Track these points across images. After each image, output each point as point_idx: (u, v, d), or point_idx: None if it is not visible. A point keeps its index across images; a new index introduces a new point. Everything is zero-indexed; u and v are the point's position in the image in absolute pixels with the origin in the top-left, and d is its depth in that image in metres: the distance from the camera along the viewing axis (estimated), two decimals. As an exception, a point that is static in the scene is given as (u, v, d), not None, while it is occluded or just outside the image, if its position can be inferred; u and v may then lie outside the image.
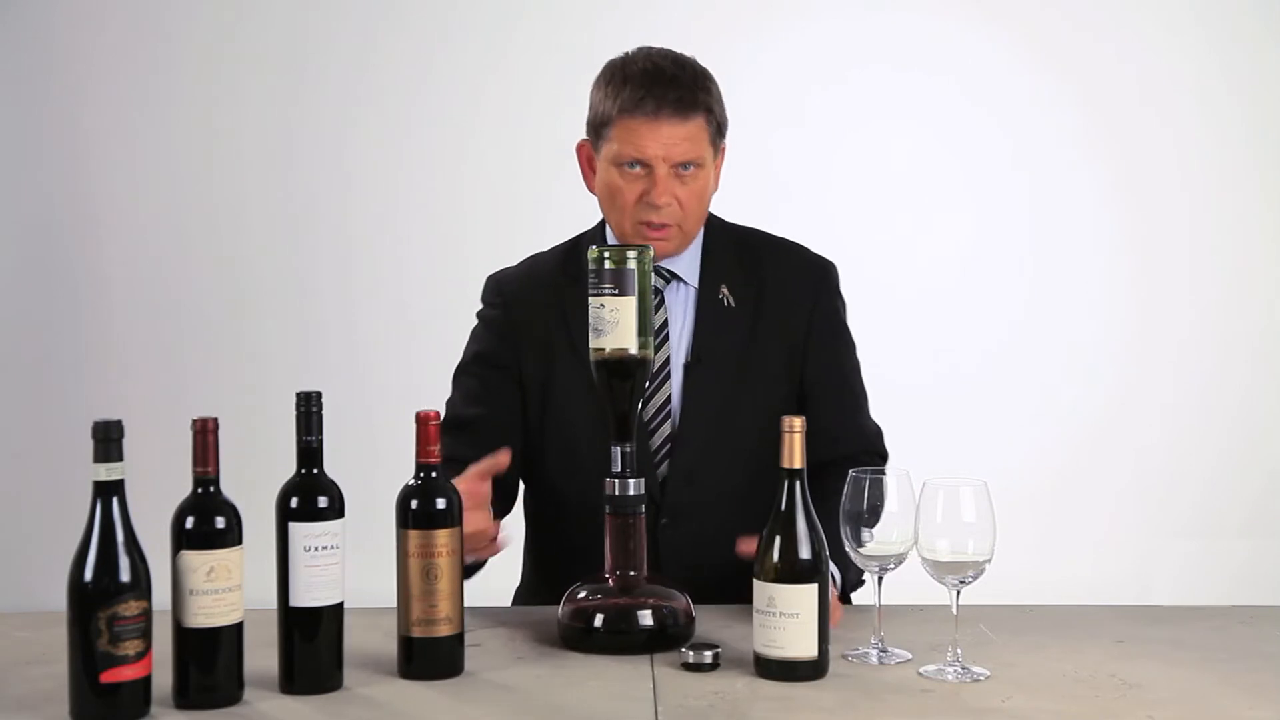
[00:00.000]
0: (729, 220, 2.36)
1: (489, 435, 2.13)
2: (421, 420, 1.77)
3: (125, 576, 1.57)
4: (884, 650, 1.84)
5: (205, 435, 1.65)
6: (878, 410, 2.35)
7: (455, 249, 4.09)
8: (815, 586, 1.72)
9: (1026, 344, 4.22)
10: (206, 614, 1.63)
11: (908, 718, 1.64)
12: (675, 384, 2.22)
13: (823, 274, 2.32)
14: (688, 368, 2.22)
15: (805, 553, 1.73)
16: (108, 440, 1.58)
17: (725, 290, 2.25)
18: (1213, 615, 2.09)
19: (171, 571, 1.64)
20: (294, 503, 1.70)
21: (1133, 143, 4.22)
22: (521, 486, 2.33)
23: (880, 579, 1.83)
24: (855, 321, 2.36)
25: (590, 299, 1.90)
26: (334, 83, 4.23)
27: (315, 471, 1.72)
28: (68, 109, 4.20)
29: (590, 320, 1.91)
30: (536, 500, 2.33)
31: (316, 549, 1.70)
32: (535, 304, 2.29)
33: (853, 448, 2.20)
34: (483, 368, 2.30)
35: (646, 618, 1.86)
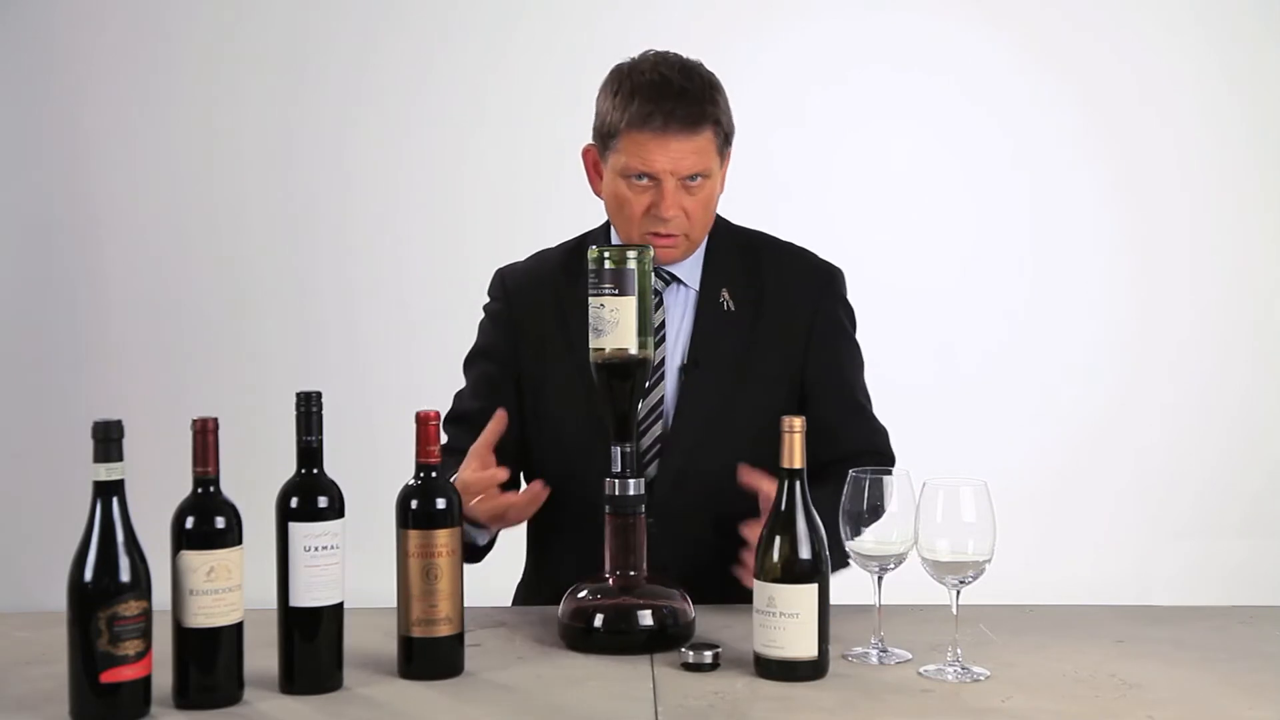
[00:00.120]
0: (735, 222, 2.35)
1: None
2: (421, 420, 1.77)
3: (125, 576, 1.57)
4: (884, 650, 1.84)
5: (205, 435, 1.65)
6: (879, 411, 2.35)
7: (455, 249, 4.10)
8: (815, 586, 1.72)
9: (1026, 344, 4.22)
10: (206, 614, 1.63)
11: (908, 718, 1.64)
12: (670, 386, 2.22)
13: (827, 279, 2.31)
14: (683, 370, 2.22)
15: (805, 553, 1.73)
16: (108, 440, 1.58)
17: (726, 294, 2.25)
18: (1213, 615, 2.09)
19: (171, 571, 1.64)
20: (294, 503, 1.70)
21: (1133, 143, 4.22)
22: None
23: (880, 579, 1.83)
24: (856, 321, 2.36)
25: (590, 299, 1.91)
26: (334, 83, 4.23)
27: (315, 471, 1.72)
28: (68, 109, 4.20)
29: (590, 320, 1.91)
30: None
31: (316, 549, 1.70)
32: (536, 300, 2.30)
33: (855, 447, 2.20)
34: (486, 362, 2.32)
35: (646, 618, 1.86)
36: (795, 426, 1.76)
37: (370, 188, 4.24)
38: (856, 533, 1.80)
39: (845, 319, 2.32)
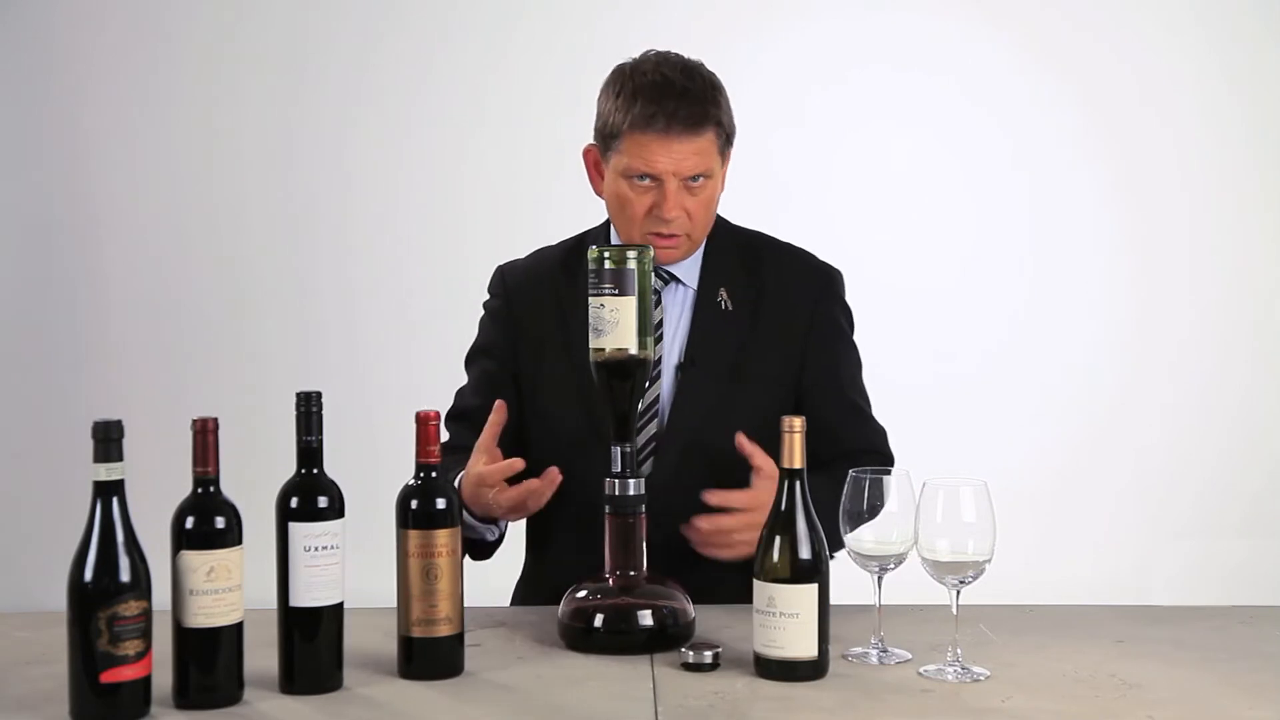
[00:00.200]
0: (735, 222, 2.36)
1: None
2: (421, 420, 1.77)
3: (125, 576, 1.57)
4: (884, 650, 1.84)
5: (205, 435, 1.65)
6: (878, 411, 2.34)
7: (455, 249, 4.10)
8: (815, 586, 1.72)
9: (1026, 344, 4.22)
10: (206, 614, 1.63)
11: (908, 718, 1.64)
12: (666, 384, 2.22)
13: (826, 280, 2.32)
14: (680, 369, 2.22)
15: (805, 553, 1.73)
16: (108, 440, 1.58)
17: (724, 293, 2.25)
18: (1213, 615, 2.09)
19: (171, 571, 1.64)
20: (294, 503, 1.70)
21: (1133, 143, 4.22)
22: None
23: (880, 579, 1.83)
24: (856, 322, 2.36)
25: (590, 299, 1.91)
26: (334, 83, 4.23)
27: (315, 471, 1.72)
28: (68, 109, 4.20)
29: (590, 320, 1.91)
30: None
31: (316, 549, 1.70)
32: (536, 298, 2.30)
33: (853, 447, 2.20)
34: (485, 359, 2.33)
35: (646, 618, 1.86)
36: (795, 426, 1.76)
37: (370, 188, 4.25)
38: (854, 528, 1.80)
39: (844, 320, 2.33)
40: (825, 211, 4.11)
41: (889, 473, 1.80)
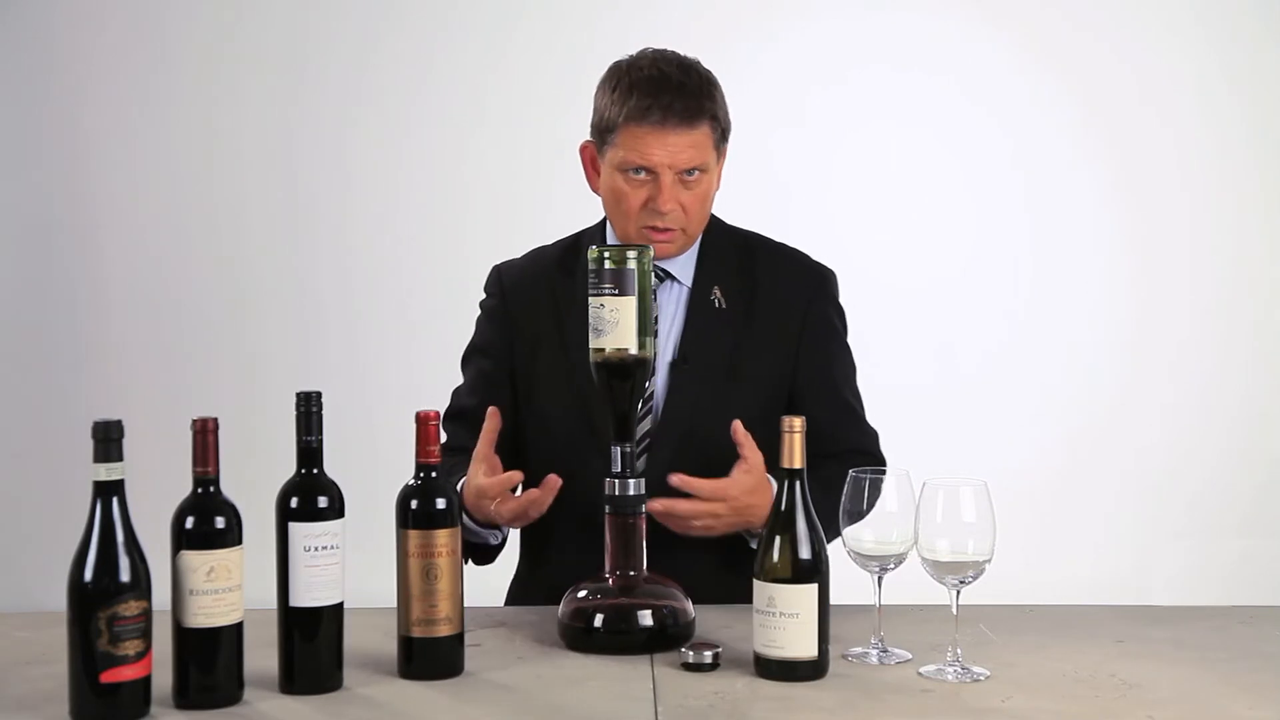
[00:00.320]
0: (732, 222, 2.36)
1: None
2: (421, 420, 1.77)
3: (125, 576, 1.57)
4: (884, 650, 1.84)
5: (205, 435, 1.65)
6: (878, 411, 2.34)
7: (455, 249, 4.09)
8: (815, 586, 1.72)
9: (1026, 344, 4.22)
10: (206, 614, 1.63)
11: (908, 718, 1.64)
12: (660, 382, 2.22)
13: (820, 280, 2.32)
14: (673, 366, 2.22)
15: (805, 553, 1.73)
16: (108, 440, 1.58)
17: (718, 291, 2.26)
18: (1213, 615, 2.09)
19: (171, 571, 1.64)
20: (294, 503, 1.70)
21: (1133, 143, 4.22)
22: None
23: (880, 579, 1.83)
24: (856, 321, 2.36)
25: (590, 299, 1.91)
26: (334, 83, 4.23)
27: (315, 471, 1.72)
28: (68, 109, 4.20)
29: (590, 320, 1.91)
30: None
31: (316, 549, 1.70)
32: (532, 298, 2.31)
33: (844, 447, 2.20)
34: (481, 358, 2.34)
35: (646, 618, 1.86)
36: (795, 426, 1.76)
37: (370, 188, 4.25)
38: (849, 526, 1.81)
39: (837, 320, 2.33)
40: (825, 211, 4.11)
41: (889, 473, 1.80)
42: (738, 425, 2.04)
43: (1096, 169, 4.23)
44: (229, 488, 1.66)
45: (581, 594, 1.91)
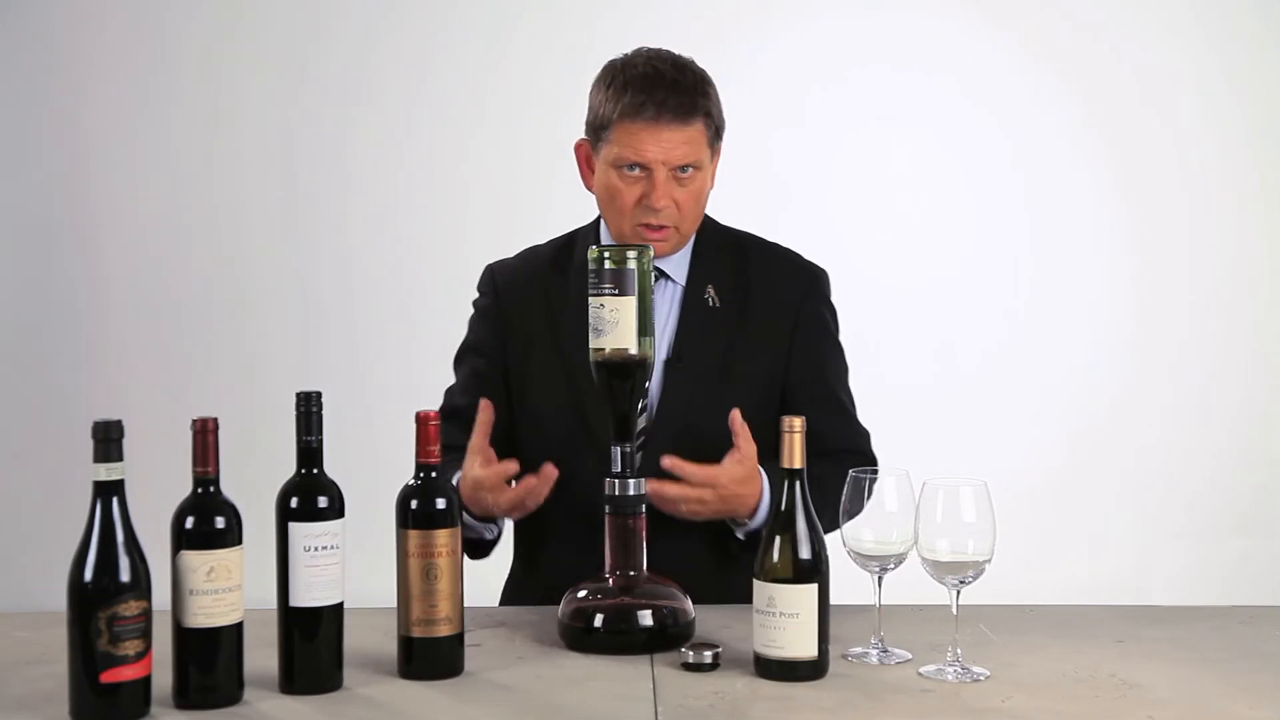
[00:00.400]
0: (728, 221, 2.36)
1: None
2: (421, 420, 1.77)
3: (125, 576, 1.57)
4: (884, 650, 1.84)
5: (205, 435, 1.65)
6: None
7: (455, 249, 4.08)
8: (815, 586, 1.73)
9: (1026, 344, 4.22)
10: (206, 614, 1.63)
11: (908, 718, 1.64)
12: (654, 380, 2.22)
13: (812, 279, 2.33)
14: (668, 364, 2.23)
15: (805, 553, 1.73)
16: (108, 440, 1.58)
17: (712, 290, 2.27)
18: (1213, 615, 2.09)
19: (171, 571, 1.64)
20: (294, 503, 1.70)
21: (1133, 143, 4.22)
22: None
23: (880, 579, 1.83)
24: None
25: (590, 299, 1.91)
26: (334, 83, 4.23)
27: (315, 471, 1.72)
28: (68, 109, 4.20)
29: (590, 320, 1.91)
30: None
31: (316, 549, 1.70)
32: (526, 297, 2.32)
33: (836, 444, 2.21)
34: (475, 357, 2.34)
35: (646, 618, 1.87)
36: (795, 427, 1.76)
37: (370, 188, 4.24)
38: (855, 532, 1.80)
39: (830, 320, 2.34)
40: (825, 211, 4.11)
41: (889, 473, 1.80)
42: (736, 415, 2.06)
43: (1096, 169, 4.23)
44: (229, 488, 1.67)
45: (581, 594, 1.91)
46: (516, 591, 2.36)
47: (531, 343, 2.28)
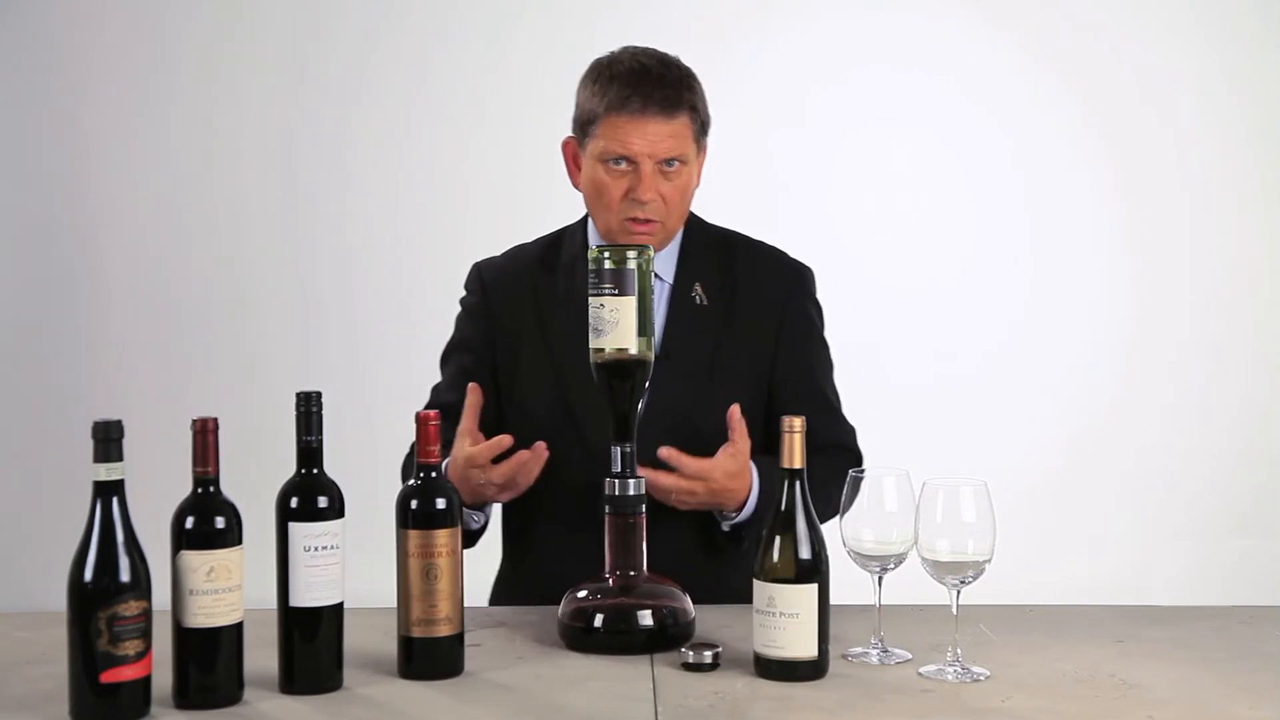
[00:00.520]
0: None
1: None
2: (421, 420, 1.77)
3: (125, 576, 1.57)
4: (884, 650, 1.84)
5: (205, 435, 1.65)
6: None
7: (455, 249, 4.04)
8: (815, 586, 1.73)
9: (1026, 344, 4.22)
10: (206, 614, 1.63)
11: (908, 718, 1.64)
12: None
13: (798, 277, 2.35)
14: (655, 362, 2.23)
15: (805, 553, 1.73)
16: (108, 440, 1.58)
17: (699, 288, 2.28)
18: (1213, 615, 2.09)
19: (171, 571, 1.64)
20: (294, 503, 1.70)
21: (1133, 143, 4.22)
22: None
23: (880, 579, 1.83)
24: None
25: (590, 299, 1.91)
26: (334, 83, 4.23)
27: (315, 471, 1.72)
28: (68, 109, 4.20)
29: (590, 320, 1.91)
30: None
31: (316, 549, 1.70)
32: (513, 294, 2.33)
33: (823, 440, 2.21)
34: (462, 354, 2.35)
35: (646, 618, 1.87)
36: (795, 426, 1.76)
37: (370, 188, 4.24)
38: (855, 533, 1.80)
39: (815, 317, 2.37)
40: (825, 211, 4.11)
41: (889, 473, 1.80)
42: (735, 410, 2.07)
43: (1096, 169, 4.23)
44: (229, 488, 1.67)
45: (581, 594, 1.91)
46: (504, 589, 2.36)
47: (519, 340, 2.29)
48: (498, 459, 2.03)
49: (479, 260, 2.41)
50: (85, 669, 1.57)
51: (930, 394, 4.11)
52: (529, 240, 2.42)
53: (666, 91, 2.17)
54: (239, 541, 1.65)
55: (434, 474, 1.76)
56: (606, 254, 1.89)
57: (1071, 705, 1.67)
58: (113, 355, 4.20)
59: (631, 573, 1.90)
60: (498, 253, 2.44)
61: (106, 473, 1.58)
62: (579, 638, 1.88)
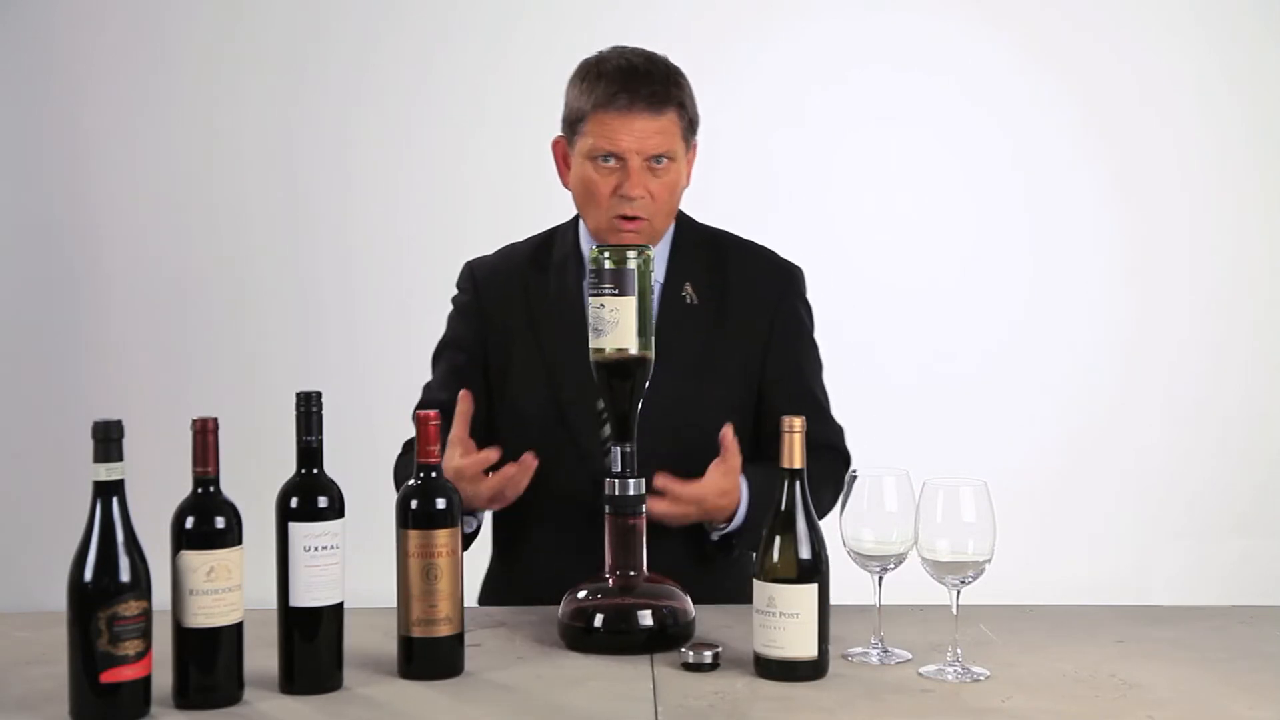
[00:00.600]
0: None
1: None
2: (421, 420, 1.77)
3: (125, 576, 1.57)
4: (884, 650, 1.84)
5: (205, 435, 1.65)
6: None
7: (455, 249, 4.05)
8: (815, 586, 1.73)
9: (1026, 344, 4.22)
10: (206, 614, 1.63)
11: (908, 718, 1.64)
12: None
13: (788, 277, 2.36)
14: None
15: (805, 553, 1.73)
16: (108, 440, 1.58)
17: (689, 288, 2.28)
18: (1213, 615, 2.09)
19: (171, 571, 1.64)
20: (294, 503, 1.70)
21: (1133, 143, 4.22)
22: None
23: (880, 579, 1.83)
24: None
25: (590, 299, 1.92)
26: (334, 83, 4.23)
27: (315, 471, 1.72)
28: (68, 109, 4.20)
29: (590, 320, 1.91)
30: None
31: (316, 549, 1.70)
32: (506, 294, 2.34)
33: (813, 441, 2.20)
34: (454, 352, 2.36)
35: (646, 618, 1.87)
36: (795, 427, 1.76)
37: (370, 188, 4.24)
38: (855, 533, 1.80)
39: (806, 317, 2.37)
40: (825, 211, 4.11)
41: (889, 473, 1.81)
42: (728, 431, 2.08)
43: (1096, 169, 4.22)
44: (229, 488, 1.67)
45: (581, 594, 1.91)
46: (494, 588, 2.37)
47: (511, 339, 2.30)
48: (487, 470, 2.03)
49: (471, 259, 2.42)
50: (85, 669, 1.57)
51: (930, 394, 4.11)
52: (520, 239, 2.43)
53: (654, 88, 2.18)
54: (239, 541, 1.65)
55: (434, 474, 1.76)
56: (606, 254, 1.90)
57: (1071, 705, 1.67)
58: (113, 355, 4.20)
59: (631, 573, 1.90)
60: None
61: (106, 473, 1.58)
62: (579, 638, 1.88)
